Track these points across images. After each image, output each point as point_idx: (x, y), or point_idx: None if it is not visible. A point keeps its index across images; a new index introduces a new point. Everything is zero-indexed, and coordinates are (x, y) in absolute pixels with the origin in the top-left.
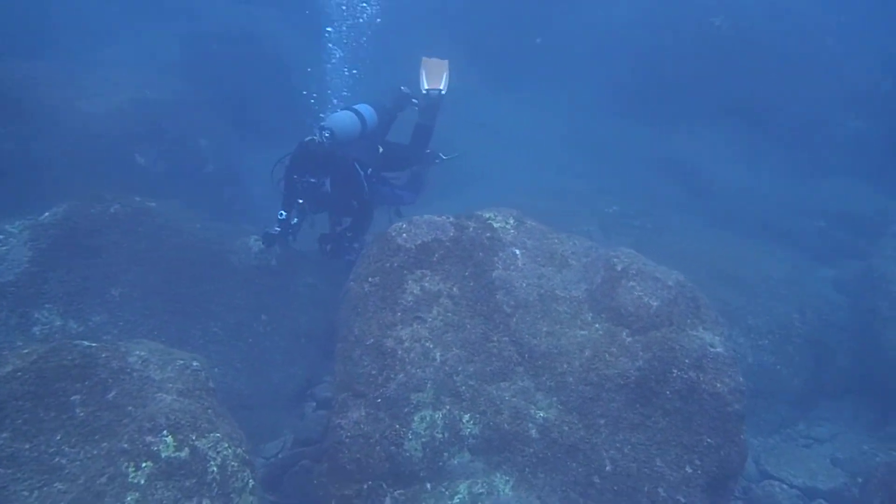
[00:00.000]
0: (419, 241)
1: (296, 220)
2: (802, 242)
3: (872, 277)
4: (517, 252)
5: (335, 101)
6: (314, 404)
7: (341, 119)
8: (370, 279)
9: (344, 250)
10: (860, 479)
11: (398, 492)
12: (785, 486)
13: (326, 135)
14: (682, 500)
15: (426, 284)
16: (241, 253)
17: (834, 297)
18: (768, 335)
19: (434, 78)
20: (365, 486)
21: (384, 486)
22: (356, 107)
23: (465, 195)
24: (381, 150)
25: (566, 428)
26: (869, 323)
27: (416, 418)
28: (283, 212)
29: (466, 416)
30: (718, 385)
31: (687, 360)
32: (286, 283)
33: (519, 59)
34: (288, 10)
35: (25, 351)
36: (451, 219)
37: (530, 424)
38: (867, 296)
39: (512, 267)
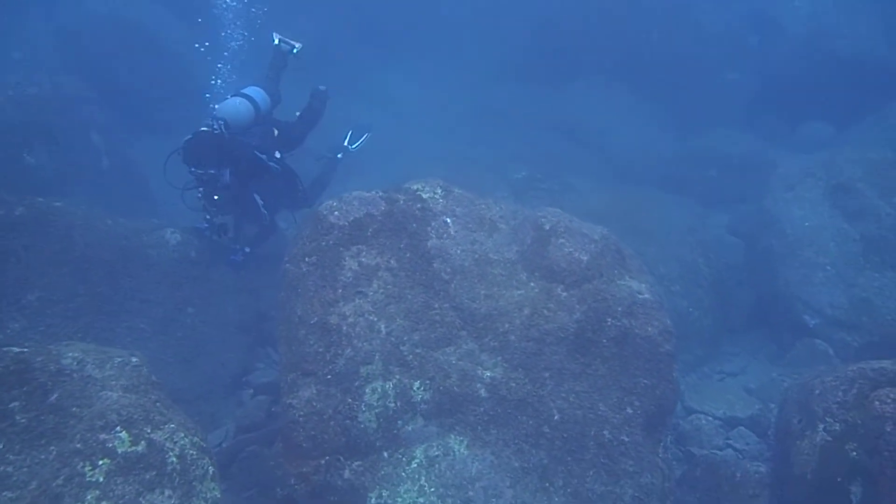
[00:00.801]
0: (352, 218)
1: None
2: (696, 191)
3: (765, 219)
4: (448, 220)
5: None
6: (251, 391)
7: (233, 106)
8: (307, 259)
9: (230, 251)
10: (773, 405)
11: (356, 463)
12: (709, 419)
13: (220, 124)
14: (626, 439)
15: (363, 259)
16: (158, 247)
17: (729, 239)
18: (679, 281)
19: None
20: (323, 462)
21: (342, 459)
22: (246, 91)
23: (372, 174)
24: (276, 132)
25: (513, 384)
26: (764, 261)
27: (367, 390)
28: (207, 216)
29: (416, 384)
30: (649, 329)
31: (619, 309)
32: (207, 272)
33: (406, 34)
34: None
35: None
36: (381, 193)
37: (478, 385)
38: (761, 236)
39: (445, 235)
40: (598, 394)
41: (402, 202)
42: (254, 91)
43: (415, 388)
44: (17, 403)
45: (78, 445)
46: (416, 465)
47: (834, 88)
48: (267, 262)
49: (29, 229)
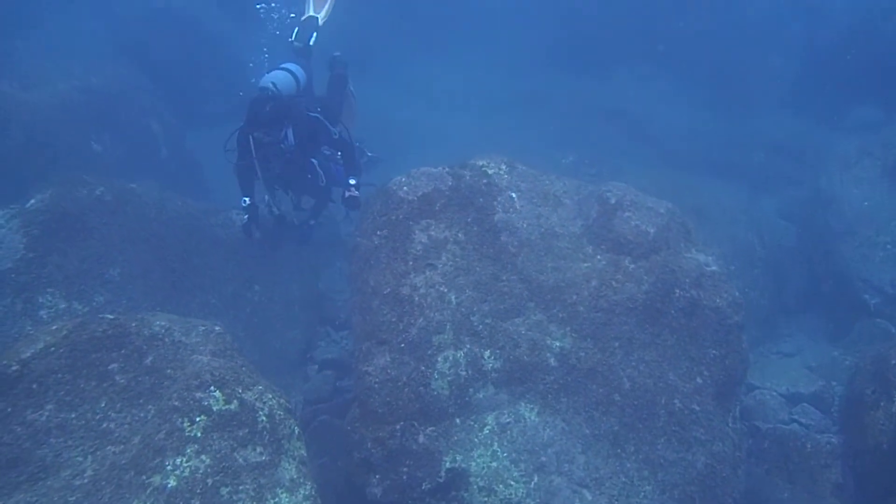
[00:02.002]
0: (420, 193)
1: (267, 197)
2: (744, 175)
3: (820, 199)
4: (514, 195)
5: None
6: (316, 367)
7: (278, 77)
8: (378, 232)
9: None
10: (834, 383)
11: (430, 429)
12: (773, 394)
13: (273, 86)
14: (697, 408)
15: (432, 233)
16: (225, 227)
17: (780, 223)
18: (735, 261)
19: (319, 4)
20: (398, 427)
21: (416, 424)
22: (285, 65)
23: (421, 160)
24: (318, 108)
25: (583, 353)
26: (820, 242)
27: (439, 359)
28: (245, 198)
29: (487, 353)
30: (717, 300)
31: (687, 280)
32: (270, 251)
33: (446, 23)
34: None
35: (54, 327)
36: (447, 169)
37: (548, 354)
38: (817, 217)
39: (511, 210)
40: (667, 363)
41: (468, 178)
42: (292, 66)
43: (485, 357)
44: (115, 365)
45: (176, 403)
46: (488, 432)
47: (882, 72)
48: (324, 244)
49: (109, 208)
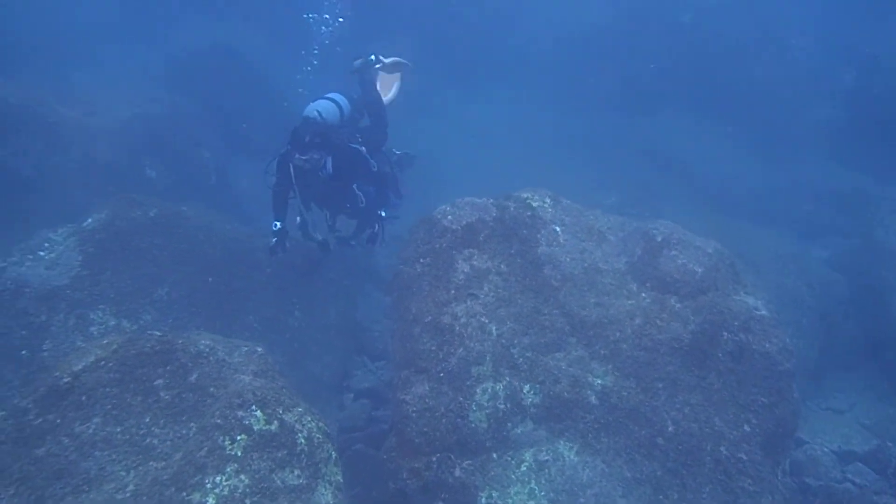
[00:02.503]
0: (464, 222)
1: (298, 218)
2: (792, 223)
3: (875, 251)
4: (557, 229)
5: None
6: (352, 395)
7: (323, 106)
8: (421, 260)
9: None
10: (890, 444)
11: (466, 462)
12: (825, 450)
13: (319, 114)
14: (745, 457)
15: (475, 262)
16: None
17: (830, 273)
18: (782, 309)
19: (385, 87)
20: (434, 459)
21: (452, 457)
22: (330, 95)
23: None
24: (359, 137)
25: (625, 393)
26: (875, 295)
27: (478, 390)
28: (276, 222)
29: (526, 387)
30: (767, 345)
31: (735, 323)
32: (311, 278)
33: (487, 64)
34: (261, 25)
35: (105, 341)
36: (492, 200)
37: (589, 392)
38: (871, 269)
39: (554, 243)
40: (713, 408)
41: (512, 209)
42: (336, 96)
43: (525, 392)
44: (161, 381)
45: (218, 421)
46: (525, 469)
47: None
48: (362, 274)
49: (161, 230)
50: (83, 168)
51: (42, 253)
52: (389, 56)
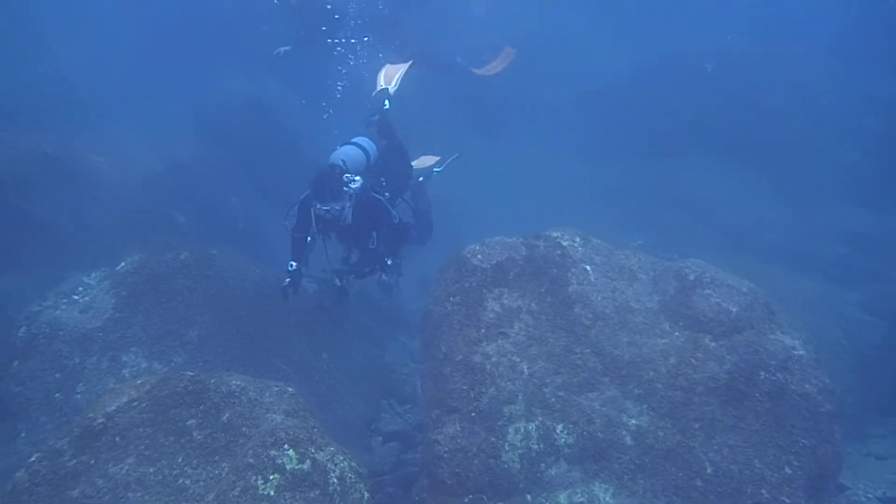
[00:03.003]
0: (494, 261)
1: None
2: (823, 268)
3: None
4: (588, 268)
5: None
6: (380, 438)
7: (348, 153)
8: (451, 299)
9: (379, 269)
10: None
11: None
12: (870, 496)
13: (343, 163)
14: (787, 500)
15: (505, 301)
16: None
17: (866, 318)
18: (818, 353)
19: (389, 77)
20: (466, 500)
21: (485, 498)
22: (356, 140)
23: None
24: (383, 181)
25: (661, 433)
26: None
27: (510, 430)
28: (292, 263)
29: (559, 427)
30: (807, 386)
31: (773, 363)
32: (339, 321)
33: (515, 113)
34: (289, 80)
35: (139, 381)
36: (521, 239)
37: (624, 432)
38: None
39: (585, 282)
40: (752, 449)
41: (542, 248)
42: (363, 140)
43: (558, 432)
44: (193, 421)
45: (251, 460)
46: None
47: None
48: (389, 318)
49: (191, 272)
50: (115, 214)
51: (76, 296)
52: (393, 81)
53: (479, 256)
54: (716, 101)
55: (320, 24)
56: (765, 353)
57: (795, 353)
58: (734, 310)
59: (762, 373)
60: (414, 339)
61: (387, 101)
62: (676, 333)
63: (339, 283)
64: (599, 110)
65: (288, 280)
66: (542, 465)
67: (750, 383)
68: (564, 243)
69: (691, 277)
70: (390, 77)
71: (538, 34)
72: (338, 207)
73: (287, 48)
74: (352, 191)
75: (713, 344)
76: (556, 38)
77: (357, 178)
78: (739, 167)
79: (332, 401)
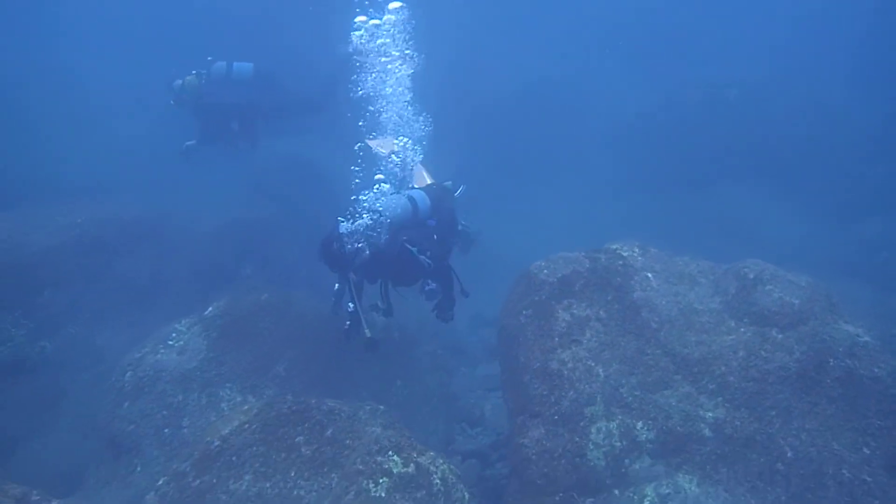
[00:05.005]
0: (560, 275)
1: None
2: (867, 274)
3: None
4: (650, 275)
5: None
6: (459, 458)
7: (393, 203)
8: (524, 312)
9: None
10: None
11: (589, 500)
12: None
13: (375, 216)
14: (869, 479)
15: (574, 311)
16: (369, 327)
17: None
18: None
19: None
20: (557, 498)
21: (575, 495)
22: (409, 192)
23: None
24: (434, 236)
25: (738, 423)
26: None
27: (592, 430)
28: (350, 304)
29: (639, 424)
30: (876, 370)
31: (840, 349)
32: (409, 351)
33: (539, 154)
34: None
35: (245, 407)
36: (583, 253)
37: (702, 424)
38: None
39: (648, 288)
40: (829, 432)
41: (603, 260)
42: (416, 193)
43: (638, 428)
44: (301, 438)
45: (360, 467)
46: (648, 503)
47: None
48: (450, 351)
49: (273, 312)
50: (187, 269)
51: (171, 342)
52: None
53: (545, 271)
54: (742, 126)
55: (226, 121)
56: (831, 341)
57: (860, 339)
58: (796, 302)
59: (831, 360)
60: (475, 367)
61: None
62: (742, 329)
63: (368, 335)
64: (627, 147)
65: (349, 323)
66: (626, 460)
67: (820, 370)
68: (625, 254)
69: (751, 276)
70: (385, 145)
71: (559, 80)
72: (353, 276)
73: (191, 142)
74: (360, 259)
75: (780, 336)
76: (575, 80)
77: (362, 245)
78: (772, 188)
79: (409, 424)
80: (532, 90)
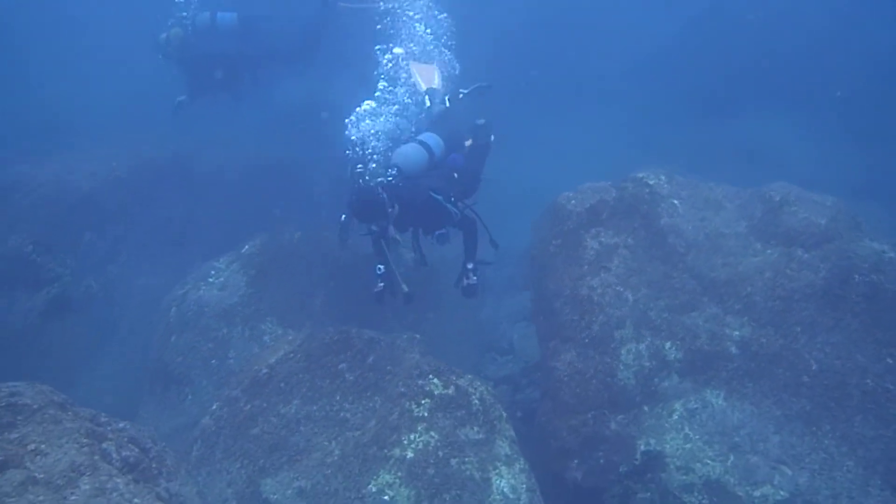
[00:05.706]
0: (587, 205)
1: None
2: (890, 195)
3: None
4: (676, 202)
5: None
6: (492, 383)
7: (407, 153)
8: (553, 242)
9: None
10: None
11: (620, 417)
12: None
13: (394, 172)
14: (892, 387)
15: (602, 239)
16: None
17: None
18: None
19: (426, 76)
20: (589, 416)
21: (606, 413)
22: (421, 137)
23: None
24: (455, 175)
25: (764, 340)
26: None
27: (622, 351)
28: (380, 266)
29: (667, 344)
30: None
31: (865, 265)
32: (437, 286)
33: (565, 84)
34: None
35: (290, 338)
36: (610, 182)
37: (728, 343)
38: None
39: (675, 215)
40: (853, 346)
41: (630, 188)
42: (429, 137)
43: (666, 348)
44: (344, 365)
45: (402, 389)
46: (677, 417)
47: None
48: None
49: (307, 249)
50: (222, 209)
51: (211, 279)
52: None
53: (573, 202)
54: (762, 48)
55: (211, 72)
56: (856, 258)
57: (886, 255)
58: (822, 222)
59: (856, 276)
60: (501, 300)
61: (447, 100)
62: (769, 251)
63: (406, 290)
64: (650, 76)
65: (381, 284)
66: (656, 379)
67: (845, 286)
68: (651, 182)
69: (777, 198)
70: (428, 76)
71: (581, 6)
72: (375, 229)
73: (183, 97)
74: (394, 212)
75: (806, 255)
76: (595, 6)
77: (395, 206)
78: (797, 114)
79: (443, 353)
80: (552, 18)
